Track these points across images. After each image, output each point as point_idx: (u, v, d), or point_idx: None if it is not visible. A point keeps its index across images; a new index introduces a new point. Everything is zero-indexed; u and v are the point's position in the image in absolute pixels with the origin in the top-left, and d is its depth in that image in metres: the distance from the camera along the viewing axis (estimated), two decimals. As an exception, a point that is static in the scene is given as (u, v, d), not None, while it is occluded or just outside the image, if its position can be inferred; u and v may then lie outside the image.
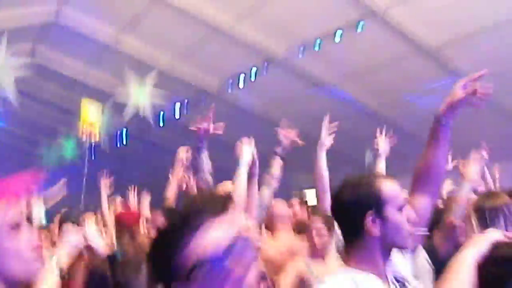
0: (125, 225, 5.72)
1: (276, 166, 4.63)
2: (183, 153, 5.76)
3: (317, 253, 4.63)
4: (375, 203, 2.32)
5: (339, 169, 12.97)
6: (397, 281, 2.35)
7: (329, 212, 4.76)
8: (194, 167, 4.63)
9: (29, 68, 10.72)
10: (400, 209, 2.32)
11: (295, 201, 6.55)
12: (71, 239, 2.91)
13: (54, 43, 12.74)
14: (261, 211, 4.65)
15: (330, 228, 4.58)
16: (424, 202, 2.66)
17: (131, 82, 10.70)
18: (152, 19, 11.22)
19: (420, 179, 2.74)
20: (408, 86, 11.51)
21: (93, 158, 13.84)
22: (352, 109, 12.88)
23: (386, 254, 2.33)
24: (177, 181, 5.63)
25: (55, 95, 15.33)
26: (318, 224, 4.68)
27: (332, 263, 4.45)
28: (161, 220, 4.38)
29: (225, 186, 4.47)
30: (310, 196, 6.43)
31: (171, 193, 5.64)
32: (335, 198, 2.49)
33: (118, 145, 15.31)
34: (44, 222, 10.49)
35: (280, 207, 5.73)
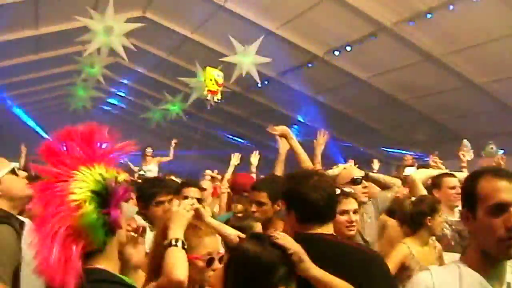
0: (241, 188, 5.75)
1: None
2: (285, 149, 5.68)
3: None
4: (469, 200, 2.19)
5: (441, 143, 12.73)
6: None
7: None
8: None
9: (139, 30, 11.11)
10: (492, 211, 2.06)
11: None
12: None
13: (162, 8, 13.09)
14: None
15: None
16: None
17: (236, 46, 10.84)
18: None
19: None
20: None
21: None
22: (459, 83, 12.50)
23: (490, 256, 2.11)
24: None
25: (161, 58, 15.82)
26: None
27: (431, 250, 4.41)
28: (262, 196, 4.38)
29: None
30: (420, 170, 6.37)
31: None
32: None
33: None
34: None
35: None
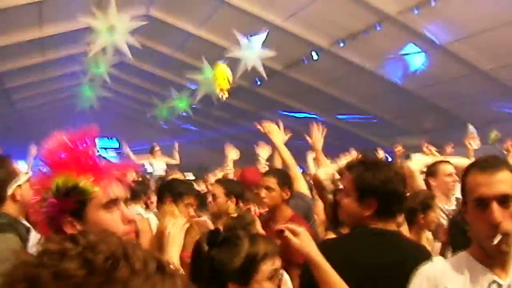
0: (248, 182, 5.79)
1: None
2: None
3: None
4: (462, 193, 2.24)
5: (448, 131, 12.69)
6: None
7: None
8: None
9: (144, 28, 11.13)
10: (475, 205, 2.10)
11: None
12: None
13: (166, 5, 13.08)
14: None
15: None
16: None
17: (241, 40, 10.80)
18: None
19: None
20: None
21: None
22: (465, 70, 12.45)
23: (485, 250, 2.12)
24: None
25: (166, 55, 15.83)
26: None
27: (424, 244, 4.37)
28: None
29: None
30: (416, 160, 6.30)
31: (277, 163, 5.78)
32: None
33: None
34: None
35: None
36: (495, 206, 2.04)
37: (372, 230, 2.74)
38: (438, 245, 4.34)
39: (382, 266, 2.61)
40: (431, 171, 5.23)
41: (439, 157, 6.07)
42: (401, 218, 3.89)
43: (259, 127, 5.43)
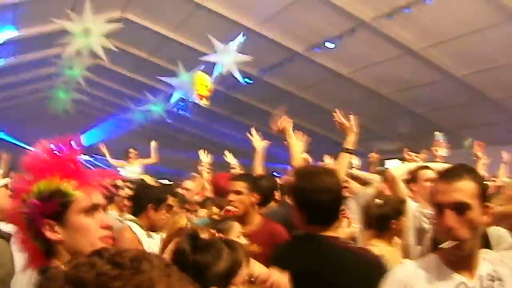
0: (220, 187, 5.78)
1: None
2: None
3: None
4: (430, 197, 2.35)
5: (422, 136, 12.84)
6: (492, 279, 2.23)
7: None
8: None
9: (119, 31, 11.10)
10: (435, 211, 2.26)
11: None
12: None
13: (142, 8, 13.04)
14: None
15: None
16: None
17: (216, 45, 10.81)
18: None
19: None
20: (499, 55, 11.06)
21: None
22: (439, 76, 12.60)
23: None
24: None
25: (140, 58, 15.77)
26: None
27: (396, 248, 4.38)
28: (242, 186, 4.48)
29: None
30: (391, 166, 6.34)
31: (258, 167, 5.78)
32: None
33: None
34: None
35: None
36: (448, 212, 2.16)
37: (304, 236, 2.92)
38: (418, 249, 4.38)
39: (307, 272, 2.69)
40: (411, 177, 5.31)
41: (421, 163, 6.13)
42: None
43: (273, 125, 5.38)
